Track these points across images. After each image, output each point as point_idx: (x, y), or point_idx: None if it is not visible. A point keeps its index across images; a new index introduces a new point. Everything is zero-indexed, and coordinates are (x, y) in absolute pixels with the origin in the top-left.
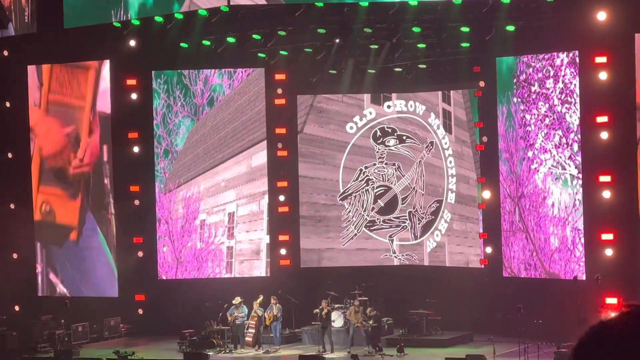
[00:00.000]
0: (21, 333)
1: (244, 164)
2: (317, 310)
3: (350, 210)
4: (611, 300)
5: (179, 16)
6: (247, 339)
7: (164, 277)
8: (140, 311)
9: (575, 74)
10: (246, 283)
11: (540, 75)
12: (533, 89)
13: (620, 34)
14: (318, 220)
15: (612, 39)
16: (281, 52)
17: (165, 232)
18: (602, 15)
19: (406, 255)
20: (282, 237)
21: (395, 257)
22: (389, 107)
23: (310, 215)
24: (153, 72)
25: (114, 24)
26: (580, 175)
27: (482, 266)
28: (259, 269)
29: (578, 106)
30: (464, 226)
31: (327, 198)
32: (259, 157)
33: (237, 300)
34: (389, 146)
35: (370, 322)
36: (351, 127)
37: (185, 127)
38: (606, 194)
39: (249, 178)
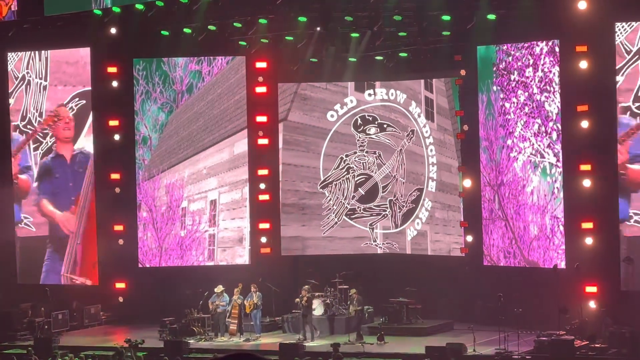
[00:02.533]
0: (0, 321)
1: (226, 151)
2: (298, 300)
3: (330, 199)
4: (591, 289)
5: (159, 4)
6: (231, 327)
7: (148, 265)
8: (121, 299)
9: (554, 62)
10: (227, 271)
11: (519, 64)
12: (512, 77)
13: (600, 23)
14: (302, 208)
15: (593, 28)
16: (262, 40)
17: (149, 220)
18: (582, 5)
19: (387, 243)
20: (262, 225)
21: (377, 245)
22: (370, 95)
23: (294, 203)
24: (134, 59)
25: (95, 11)
26: (559, 164)
27: (463, 254)
28: (243, 257)
29: (557, 95)
30: (446, 214)
31: (311, 186)
32: (242, 144)
33: (219, 288)
34: (369, 134)
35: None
36: (332, 115)
37: (164, 114)
38: (586, 183)
39: (231, 166)
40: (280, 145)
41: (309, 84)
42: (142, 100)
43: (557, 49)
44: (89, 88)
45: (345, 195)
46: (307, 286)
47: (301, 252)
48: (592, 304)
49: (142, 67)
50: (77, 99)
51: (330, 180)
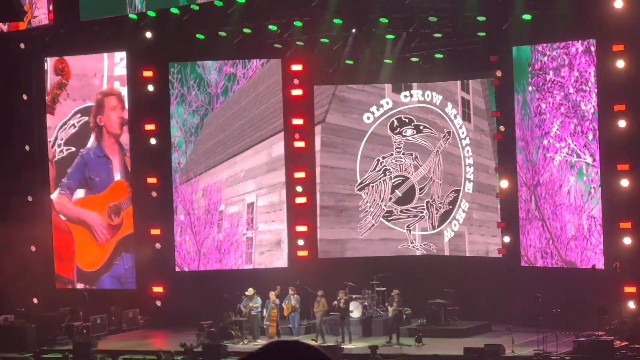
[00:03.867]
0: (39, 325)
1: (263, 154)
2: (335, 302)
3: (367, 201)
4: (630, 289)
5: (194, 7)
6: (270, 329)
7: (186, 269)
8: (158, 303)
9: (590, 62)
10: (264, 274)
11: (555, 63)
12: (548, 77)
13: (637, 22)
14: (340, 210)
15: (629, 27)
16: (297, 42)
17: (186, 223)
18: (618, 4)
19: (424, 245)
20: (299, 228)
21: (414, 247)
22: (406, 96)
23: (332, 206)
24: (169, 63)
25: (130, 16)
26: (595, 164)
27: (500, 255)
28: (281, 260)
29: (593, 94)
30: (484, 215)
31: (349, 188)
32: (278, 147)
33: (250, 291)
34: (406, 136)
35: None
36: (368, 117)
37: (199, 117)
38: (624, 183)
39: (269, 168)
40: (318, 147)
41: (347, 86)
42: (177, 103)
43: (592, 49)
44: (92, 104)
45: (382, 197)
46: (345, 289)
47: (340, 254)
48: (632, 304)
49: (177, 70)
50: (79, 115)
51: (367, 182)
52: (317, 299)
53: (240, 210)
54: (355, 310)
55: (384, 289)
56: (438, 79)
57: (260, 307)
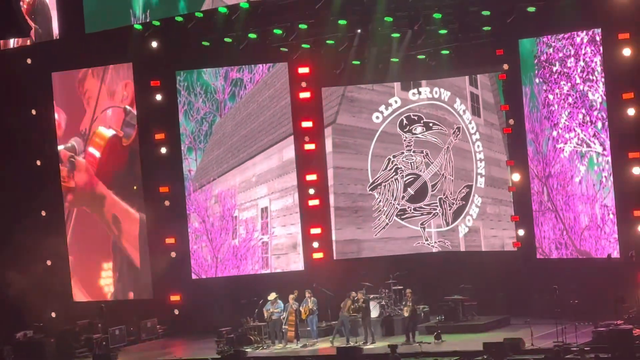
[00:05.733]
0: (58, 339)
1: (274, 158)
2: (355, 304)
3: (380, 200)
4: None
5: (199, 15)
6: (289, 333)
7: (204, 277)
8: (176, 312)
9: (596, 52)
10: (281, 278)
11: (560, 54)
12: (554, 68)
13: None
14: (355, 210)
15: (634, 15)
16: (303, 45)
17: (202, 231)
18: None
19: (439, 241)
20: (314, 231)
21: (429, 244)
22: (414, 94)
23: (347, 207)
24: (176, 72)
25: (135, 26)
26: (605, 153)
27: (515, 249)
28: (297, 263)
29: (600, 84)
30: (498, 209)
31: (363, 188)
32: (289, 150)
33: (272, 295)
34: (415, 134)
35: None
36: (377, 117)
37: (208, 123)
38: (636, 171)
39: (281, 172)
40: (330, 148)
41: (356, 86)
42: (184, 111)
43: (597, 38)
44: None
45: (394, 195)
46: (362, 289)
47: (357, 254)
48: None
49: (183, 77)
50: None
51: (379, 181)
52: (346, 299)
53: (255, 215)
54: (373, 310)
55: (401, 287)
56: (445, 75)
57: (282, 311)
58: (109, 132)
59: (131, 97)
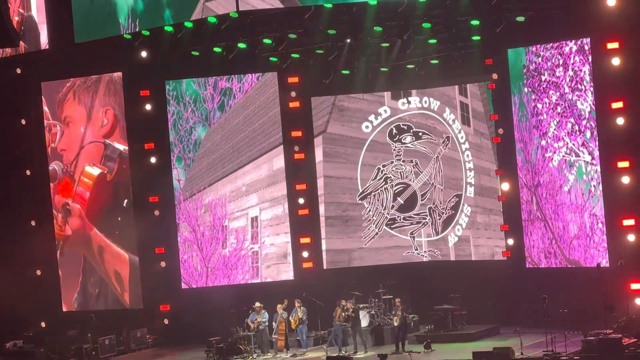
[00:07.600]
0: (48, 349)
1: (264, 167)
2: (345, 313)
3: (370, 209)
4: (636, 286)
5: (188, 25)
6: (279, 343)
7: (194, 286)
8: (166, 321)
9: (584, 61)
10: (271, 287)
11: (549, 64)
12: (543, 78)
13: (631, 18)
14: (345, 220)
15: (623, 24)
16: (293, 55)
17: (192, 240)
18: (611, 1)
19: (429, 251)
20: (303, 240)
21: (418, 253)
22: (403, 104)
23: (337, 216)
24: (165, 81)
25: (125, 35)
26: (594, 162)
27: (505, 258)
28: (287, 272)
29: (589, 93)
30: (487, 218)
31: (353, 197)
32: (279, 160)
33: (257, 305)
34: (405, 143)
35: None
36: (367, 127)
37: (197, 133)
38: (625, 180)
39: (271, 182)
40: (321, 158)
41: (347, 95)
42: (174, 120)
43: (586, 48)
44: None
45: (384, 205)
46: (351, 299)
47: (347, 264)
48: (638, 301)
49: (172, 87)
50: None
51: (368, 191)
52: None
53: (244, 225)
54: (363, 320)
55: (390, 297)
56: (435, 84)
57: (268, 321)
58: (95, 171)
59: (111, 122)
